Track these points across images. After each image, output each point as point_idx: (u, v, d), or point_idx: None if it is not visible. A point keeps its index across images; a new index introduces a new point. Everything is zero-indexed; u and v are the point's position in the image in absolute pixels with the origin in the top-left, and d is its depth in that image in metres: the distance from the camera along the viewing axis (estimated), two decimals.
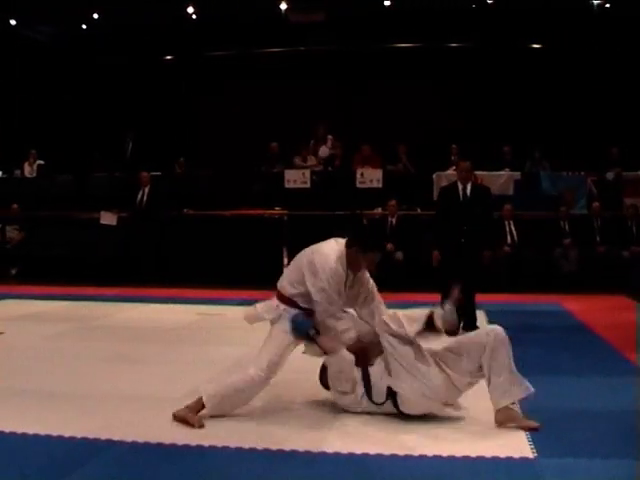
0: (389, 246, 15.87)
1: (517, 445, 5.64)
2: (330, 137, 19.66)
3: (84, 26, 22.76)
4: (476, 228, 10.68)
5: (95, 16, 22.08)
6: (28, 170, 20.55)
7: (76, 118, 22.91)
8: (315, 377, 6.85)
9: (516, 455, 5.43)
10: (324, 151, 19.44)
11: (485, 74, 21.13)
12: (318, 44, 21.80)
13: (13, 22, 22.21)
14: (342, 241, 6.59)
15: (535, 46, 21.11)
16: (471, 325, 10.22)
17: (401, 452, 5.48)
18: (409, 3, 20.28)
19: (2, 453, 5.57)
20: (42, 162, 20.64)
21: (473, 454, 5.43)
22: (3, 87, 23.29)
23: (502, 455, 5.42)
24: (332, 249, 6.48)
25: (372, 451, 5.50)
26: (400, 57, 21.84)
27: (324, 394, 7.00)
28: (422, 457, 5.41)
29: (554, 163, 18.36)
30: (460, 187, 10.89)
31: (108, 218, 17.44)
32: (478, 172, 17.01)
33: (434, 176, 17.50)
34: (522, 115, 20.16)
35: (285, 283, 6.60)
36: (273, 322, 6.62)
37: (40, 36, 23.73)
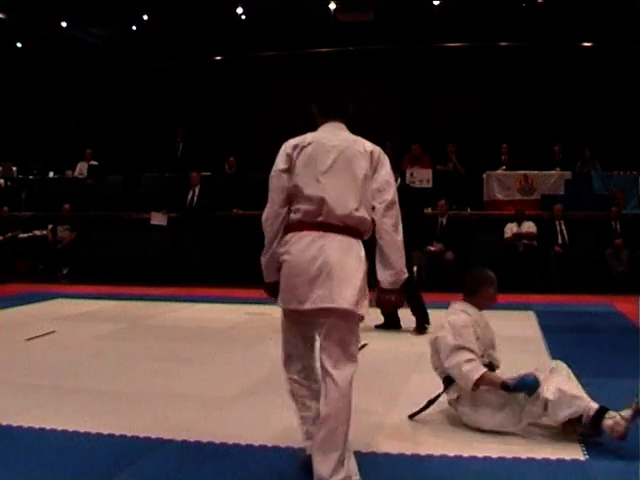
0: (439, 246, 15.82)
1: (568, 447, 5.58)
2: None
3: (134, 27, 22.92)
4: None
5: (145, 17, 22.22)
6: (79, 170, 20.73)
7: (127, 119, 23.08)
8: (361, 372, 6.81)
9: (567, 457, 5.37)
10: None
11: (535, 73, 21.00)
12: (367, 44, 21.78)
13: (64, 24, 22.39)
14: None
15: (586, 44, 20.91)
16: (395, 324, 11.02)
17: (451, 453, 5.46)
18: (459, 2, 20.17)
19: (53, 451, 5.60)
20: (95, 163, 20.82)
21: (523, 455, 5.39)
22: (56, 89, 23.52)
23: (553, 457, 5.36)
24: None
25: (422, 452, 5.48)
26: (449, 56, 21.78)
27: (372, 394, 6.99)
28: (472, 458, 5.37)
29: (605, 162, 18.21)
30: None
31: (158, 219, 17.53)
32: (529, 172, 16.96)
33: (484, 176, 17.42)
34: (573, 114, 20.02)
35: None
36: None
37: (91, 38, 23.94)
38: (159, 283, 15.98)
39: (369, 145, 5.07)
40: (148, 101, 23.25)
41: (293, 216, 4.99)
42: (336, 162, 4.96)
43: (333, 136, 5.07)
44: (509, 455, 5.39)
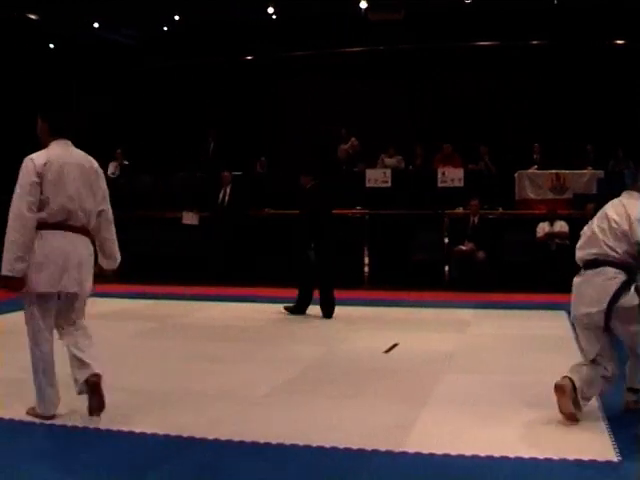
0: (470, 245, 15.78)
1: (601, 448, 5.54)
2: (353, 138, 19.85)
3: (165, 28, 23.00)
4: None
5: (176, 18, 22.29)
6: (111, 170, 20.81)
7: (158, 118, 23.16)
8: (392, 372, 6.81)
9: (600, 458, 5.32)
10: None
11: (567, 72, 20.88)
12: (398, 42, 21.74)
13: (96, 25, 22.50)
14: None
15: (618, 42, 20.79)
16: (328, 314, 11.98)
17: (482, 453, 5.43)
18: (489, 1, 20.09)
19: (86, 450, 5.65)
20: (126, 162, 20.91)
21: (555, 456, 5.34)
22: (88, 89, 23.64)
23: (585, 458, 5.32)
24: None
25: (453, 452, 5.46)
26: (481, 55, 21.70)
27: (402, 393, 6.99)
28: (504, 458, 5.34)
29: (638, 161, 18.07)
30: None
31: (190, 218, 17.58)
32: (561, 171, 16.87)
33: (516, 175, 17.35)
34: (605, 113, 19.89)
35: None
36: None
37: (123, 38, 24.05)
38: (190, 282, 16.02)
39: (94, 161, 6.54)
40: (179, 101, 23.31)
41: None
42: (76, 177, 6.24)
43: (68, 153, 6.33)
44: (541, 456, 5.35)
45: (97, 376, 6.34)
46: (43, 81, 22.60)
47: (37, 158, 6.12)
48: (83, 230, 6.35)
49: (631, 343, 6.20)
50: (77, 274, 6.32)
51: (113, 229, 6.68)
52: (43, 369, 6.27)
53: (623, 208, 6.11)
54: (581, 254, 6.23)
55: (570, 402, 6.02)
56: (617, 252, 5.99)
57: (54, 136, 6.34)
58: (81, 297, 6.52)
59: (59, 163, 6.15)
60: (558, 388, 6.06)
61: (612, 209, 6.17)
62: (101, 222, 6.51)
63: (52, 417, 6.24)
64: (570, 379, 6.04)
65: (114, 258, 6.78)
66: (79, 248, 6.32)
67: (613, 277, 5.97)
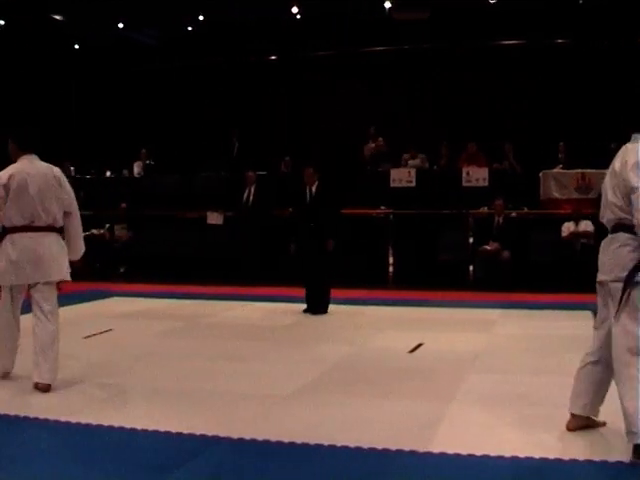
0: (495, 245, 15.73)
1: (613, 448, 5.51)
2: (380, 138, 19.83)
3: (190, 28, 23.05)
4: (322, 222, 12.33)
5: (200, 18, 22.33)
6: (137, 170, 20.89)
7: (182, 118, 23.22)
8: (417, 372, 6.79)
9: (611, 459, 5.30)
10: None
11: (591, 70, 20.76)
12: (422, 42, 21.70)
13: (121, 25, 22.57)
14: None
15: None
16: (323, 309, 12.36)
17: (507, 453, 5.40)
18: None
19: (111, 448, 5.66)
20: (151, 162, 20.97)
21: (581, 457, 5.32)
22: (114, 89, 23.75)
23: (612, 459, 5.29)
24: None
25: (478, 452, 5.43)
26: (505, 54, 21.63)
27: (427, 393, 6.97)
28: (528, 459, 5.31)
29: None
30: (307, 189, 12.67)
31: (215, 218, 17.63)
32: (586, 170, 16.77)
33: (541, 174, 17.27)
34: (630, 112, 19.75)
35: None
36: None
37: (147, 38, 24.12)
38: (215, 281, 16.03)
39: (57, 170, 7.60)
40: (204, 100, 23.36)
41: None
42: (41, 186, 7.33)
43: (32, 165, 7.40)
44: (566, 457, 5.33)
45: None
46: (69, 81, 22.77)
47: (3, 175, 7.33)
48: (49, 228, 7.45)
49: None
50: (45, 266, 7.38)
51: (78, 226, 7.84)
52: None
53: (622, 154, 5.67)
54: (603, 221, 5.92)
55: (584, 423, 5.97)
56: (628, 214, 5.50)
57: (22, 152, 7.49)
58: (51, 284, 7.48)
59: (22, 175, 7.27)
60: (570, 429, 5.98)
61: (617, 159, 5.80)
62: (68, 221, 7.65)
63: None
64: (575, 416, 5.96)
65: (77, 251, 7.76)
66: (45, 244, 7.38)
67: (625, 244, 5.57)
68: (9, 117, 20.42)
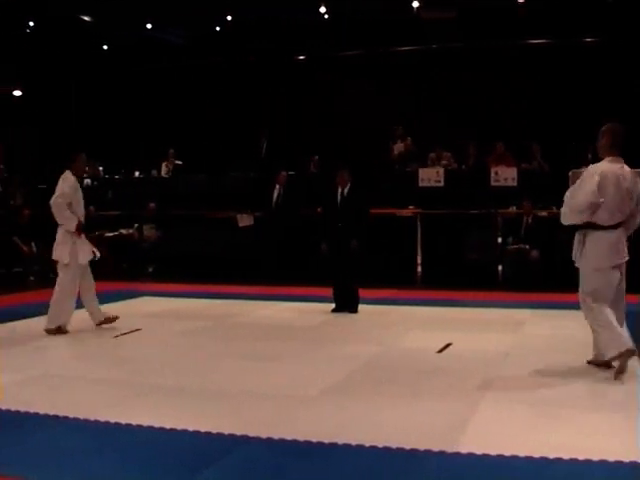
0: (524, 245, 15.66)
1: (627, 449, 5.49)
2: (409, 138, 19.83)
3: (218, 28, 23.11)
4: (351, 223, 12.39)
5: (228, 18, 22.38)
6: (165, 170, 20.96)
7: (211, 118, 23.28)
8: (445, 372, 6.77)
9: (625, 459, 5.27)
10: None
11: (621, 69, 20.62)
12: (449, 41, 21.66)
13: (149, 26, 22.66)
14: None
15: None
16: (354, 308, 12.46)
17: (536, 454, 5.36)
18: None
19: (139, 447, 5.70)
20: (179, 162, 21.03)
21: (611, 458, 5.27)
22: (140, 89, 23.83)
23: (611, 459, 5.26)
24: None
25: (507, 452, 5.41)
26: (533, 53, 21.53)
27: (454, 394, 6.95)
28: (558, 460, 5.27)
29: None
30: (339, 190, 12.67)
31: (245, 220, 17.63)
32: None
33: (570, 174, 17.16)
34: None
35: None
36: None
37: (174, 38, 24.20)
38: (243, 281, 16.05)
39: None
40: (232, 100, 23.41)
41: None
42: None
43: None
44: (596, 458, 5.29)
45: None
46: (96, 81, 22.89)
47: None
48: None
49: None
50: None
51: None
52: None
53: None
54: None
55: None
56: None
57: None
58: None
59: None
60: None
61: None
62: None
63: None
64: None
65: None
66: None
67: None
68: (38, 119, 20.55)
